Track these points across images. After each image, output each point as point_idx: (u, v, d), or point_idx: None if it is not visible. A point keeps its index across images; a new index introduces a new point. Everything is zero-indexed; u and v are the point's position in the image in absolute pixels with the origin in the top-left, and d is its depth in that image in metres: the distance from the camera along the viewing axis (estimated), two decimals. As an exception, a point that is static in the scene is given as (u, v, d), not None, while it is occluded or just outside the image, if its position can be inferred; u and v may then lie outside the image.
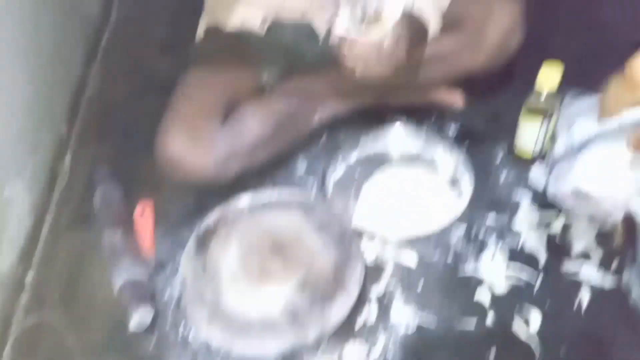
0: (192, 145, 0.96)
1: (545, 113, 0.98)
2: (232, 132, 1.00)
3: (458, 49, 1.05)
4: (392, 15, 0.89)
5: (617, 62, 1.11)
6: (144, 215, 1.03)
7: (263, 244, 0.90)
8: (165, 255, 0.99)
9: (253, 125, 1.01)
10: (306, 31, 1.14)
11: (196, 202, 1.06)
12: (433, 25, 1.02)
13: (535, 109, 1.00)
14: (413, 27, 0.98)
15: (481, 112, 1.19)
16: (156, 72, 1.41)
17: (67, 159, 1.20)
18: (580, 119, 0.99)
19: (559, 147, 1.00)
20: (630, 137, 0.81)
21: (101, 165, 1.12)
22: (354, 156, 1.11)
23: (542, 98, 0.98)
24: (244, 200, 0.97)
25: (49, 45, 1.21)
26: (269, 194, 0.98)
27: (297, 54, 1.09)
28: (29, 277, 1.00)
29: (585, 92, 1.06)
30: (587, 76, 1.02)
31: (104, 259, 0.96)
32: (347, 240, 0.90)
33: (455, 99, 1.14)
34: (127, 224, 1.00)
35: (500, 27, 1.02)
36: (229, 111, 1.03)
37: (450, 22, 1.06)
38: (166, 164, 0.98)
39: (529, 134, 1.02)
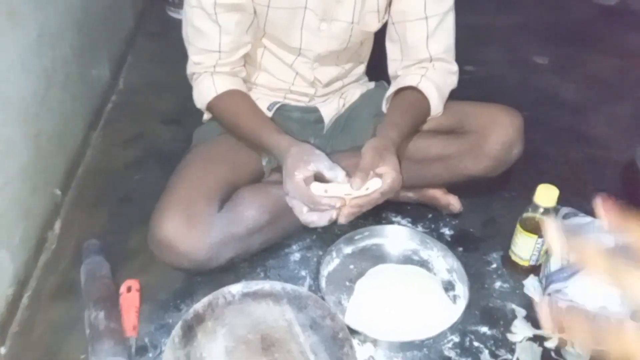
0: (188, 228, 0.94)
1: (541, 229, 1.00)
2: (228, 218, 0.99)
3: (460, 153, 1.08)
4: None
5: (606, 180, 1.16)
6: (129, 295, 1.00)
7: (251, 339, 0.87)
8: (148, 338, 0.95)
9: (250, 212, 1.01)
10: (312, 116, 1.18)
11: (184, 285, 1.04)
12: (434, 102, 1.06)
13: (531, 223, 1.01)
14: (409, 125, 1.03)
15: (477, 215, 1.21)
16: (157, 143, 1.43)
17: (57, 226, 1.17)
18: (575, 239, 1.01)
19: (555, 264, 1.01)
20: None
21: (91, 238, 1.09)
22: (348, 250, 1.10)
23: (539, 213, 0.99)
24: (235, 289, 0.95)
25: (55, 108, 1.22)
26: (261, 285, 0.96)
27: (303, 137, 1.11)
28: (3, 349, 0.95)
29: (576, 212, 1.09)
30: (579, 195, 1.05)
31: (83, 336, 0.92)
32: (339, 342, 0.87)
33: (453, 202, 1.16)
34: (111, 301, 0.97)
35: (502, 137, 1.06)
36: (227, 195, 1.02)
37: (455, 128, 1.10)
38: (158, 245, 0.96)
39: (525, 245, 1.03)
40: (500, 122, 1.07)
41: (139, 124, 1.49)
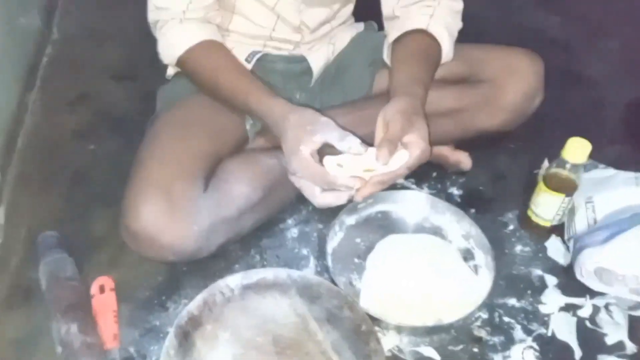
0: (170, 215, 0.79)
1: (570, 185, 0.90)
2: (216, 198, 0.83)
3: (474, 106, 0.96)
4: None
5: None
6: (103, 296, 0.83)
7: (261, 342, 0.74)
8: (134, 347, 0.80)
9: (241, 189, 0.85)
10: (298, 67, 1.01)
11: (168, 277, 0.89)
12: (445, 46, 0.92)
13: (557, 180, 0.91)
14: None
15: (483, 171, 1.10)
16: (108, 104, 1.22)
17: (0, 214, 0.97)
18: (600, 194, 0.92)
19: (580, 223, 0.92)
20: None
21: (45, 228, 0.90)
22: (351, 220, 0.97)
23: (567, 169, 0.89)
24: (233, 282, 0.80)
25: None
26: (262, 273, 0.82)
27: (287, 93, 0.97)
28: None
29: (595, 163, 1.00)
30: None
31: (51, 355, 0.76)
32: (363, 337, 0.75)
33: (463, 160, 1.04)
34: (83, 308, 0.80)
35: (522, 86, 0.94)
36: (210, 170, 0.86)
37: (467, 76, 0.97)
38: (135, 238, 0.80)
39: (549, 205, 0.94)
40: (518, 69, 0.94)
41: (83, 82, 1.26)
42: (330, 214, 0.95)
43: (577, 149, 0.88)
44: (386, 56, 0.98)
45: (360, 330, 0.76)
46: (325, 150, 0.77)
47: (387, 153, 0.74)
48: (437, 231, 0.97)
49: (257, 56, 0.98)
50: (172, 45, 0.87)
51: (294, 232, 0.97)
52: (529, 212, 0.97)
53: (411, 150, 0.75)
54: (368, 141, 0.79)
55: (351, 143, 0.76)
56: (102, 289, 0.84)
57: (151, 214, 0.78)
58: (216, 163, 0.88)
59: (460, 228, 0.96)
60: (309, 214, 0.99)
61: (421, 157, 0.77)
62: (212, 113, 0.90)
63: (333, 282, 0.84)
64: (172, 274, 0.89)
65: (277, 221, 0.97)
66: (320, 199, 0.77)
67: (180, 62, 0.89)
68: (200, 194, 0.82)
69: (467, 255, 0.93)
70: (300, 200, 0.93)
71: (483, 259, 0.91)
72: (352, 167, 0.74)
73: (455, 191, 1.06)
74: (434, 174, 1.08)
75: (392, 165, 0.74)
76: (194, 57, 0.87)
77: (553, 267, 0.93)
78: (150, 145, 0.86)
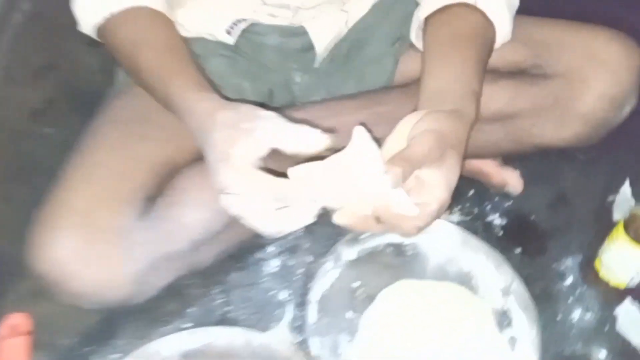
0: (87, 255, 0.58)
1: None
2: (159, 228, 0.61)
3: (537, 110, 0.68)
4: None
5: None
6: (13, 342, 0.65)
7: None
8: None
9: (196, 215, 0.63)
10: (298, 42, 0.75)
11: (103, 321, 0.70)
12: (503, 29, 0.66)
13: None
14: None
15: (539, 191, 0.83)
16: (77, 76, 1.00)
17: None
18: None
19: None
20: None
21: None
22: (351, 254, 0.73)
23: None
24: (168, 348, 0.60)
25: None
26: (210, 336, 0.61)
27: (284, 75, 0.75)
28: None
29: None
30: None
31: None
32: None
33: (512, 181, 0.77)
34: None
35: (608, 86, 0.65)
36: (158, 186, 0.64)
37: (528, 66, 0.69)
38: (46, 278, 0.59)
39: (627, 258, 0.68)
40: (605, 61, 0.66)
41: (55, 46, 1.06)
42: (326, 240, 0.73)
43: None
44: (415, 36, 0.71)
45: None
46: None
47: (400, 173, 0.49)
48: (465, 279, 0.72)
49: (242, 26, 0.73)
50: (87, 9, 0.64)
51: (273, 265, 0.75)
52: (597, 264, 0.71)
53: (426, 198, 0.50)
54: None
55: (307, 135, 0.51)
56: (13, 330, 0.65)
57: (60, 252, 0.57)
58: (169, 176, 0.65)
59: (498, 278, 0.71)
60: (297, 240, 0.77)
61: (434, 216, 0.51)
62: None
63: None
64: (108, 316, 0.69)
65: (253, 248, 0.75)
66: (273, 222, 0.52)
67: (100, 34, 0.65)
68: (136, 221, 0.61)
69: (503, 320, 0.69)
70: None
71: (525, 328, 0.67)
72: (320, 178, 0.49)
73: (496, 220, 0.80)
74: (470, 193, 0.82)
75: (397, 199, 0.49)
76: (114, 28, 0.63)
77: (624, 348, 0.67)
78: (78, 152, 0.64)
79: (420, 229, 0.50)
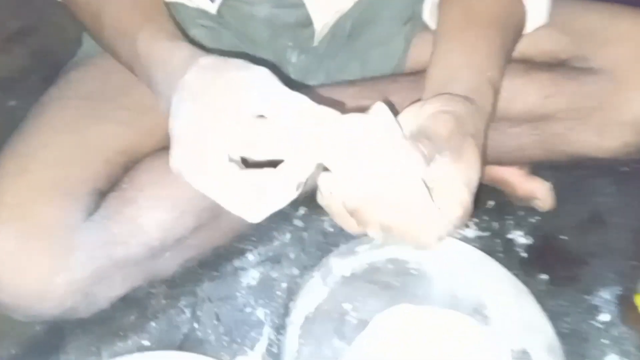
0: (17, 260, 0.49)
1: None
2: (108, 229, 0.52)
3: (577, 112, 0.58)
4: None
5: None
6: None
7: None
8: None
9: (155, 215, 0.54)
10: (293, 15, 0.64)
11: (50, 331, 0.60)
12: (537, 10, 0.57)
13: None
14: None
15: (570, 208, 0.72)
16: (54, 43, 0.92)
17: None
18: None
19: None
20: None
21: None
22: (344, 270, 0.62)
23: None
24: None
25: None
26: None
27: (276, 53, 0.66)
28: None
29: None
30: None
31: None
32: None
33: (541, 194, 0.66)
34: None
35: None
36: (114, 179, 0.55)
37: (566, 58, 0.59)
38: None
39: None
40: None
41: (30, 12, 0.96)
42: (316, 249, 0.62)
43: None
44: (429, 15, 0.61)
45: None
46: None
47: (426, 152, 0.41)
48: (478, 309, 0.61)
49: None
50: None
51: (252, 276, 0.65)
52: (638, 299, 0.60)
53: (446, 201, 0.40)
54: None
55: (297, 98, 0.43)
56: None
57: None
58: (125, 166, 0.56)
59: (518, 310, 0.60)
60: (282, 247, 0.66)
61: (457, 224, 0.41)
62: (130, 83, 0.56)
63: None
64: (57, 326, 0.60)
65: (231, 254, 0.65)
66: (254, 204, 0.41)
67: None
68: (81, 220, 0.51)
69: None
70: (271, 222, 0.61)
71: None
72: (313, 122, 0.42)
73: (520, 238, 0.69)
74: (491, 205, 0.71)
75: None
76: None
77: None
78: (18, 134, 0.55)
79: (441, 240, 0.41)
